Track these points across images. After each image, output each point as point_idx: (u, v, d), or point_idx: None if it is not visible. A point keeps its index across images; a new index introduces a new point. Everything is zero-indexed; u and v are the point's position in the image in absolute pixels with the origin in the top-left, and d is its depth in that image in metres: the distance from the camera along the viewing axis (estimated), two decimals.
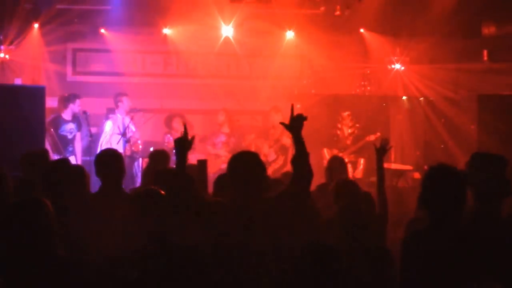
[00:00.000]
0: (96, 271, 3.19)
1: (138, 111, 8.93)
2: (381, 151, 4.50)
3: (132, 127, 8.88)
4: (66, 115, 8.80)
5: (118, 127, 8.87)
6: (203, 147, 9.61)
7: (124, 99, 8.97)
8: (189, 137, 3.72)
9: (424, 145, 10.06)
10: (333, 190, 4.48)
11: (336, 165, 5.43)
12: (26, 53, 9.69)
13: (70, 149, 8.73)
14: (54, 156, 8.28)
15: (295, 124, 3.56)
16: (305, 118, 3.57)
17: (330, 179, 5.24)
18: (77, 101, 8.81)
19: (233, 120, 9.62)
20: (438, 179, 3.03)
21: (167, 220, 3.39)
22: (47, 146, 8.44)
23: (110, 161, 4.00)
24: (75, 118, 8.85)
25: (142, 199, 3.42)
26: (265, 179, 3.61)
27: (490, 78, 9.29)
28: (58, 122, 8.72)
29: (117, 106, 9.01)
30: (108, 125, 8.88)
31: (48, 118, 8.78)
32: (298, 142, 3.56)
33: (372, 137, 8.80)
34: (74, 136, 8.84)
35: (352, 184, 4.49)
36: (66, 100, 8.82)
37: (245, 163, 3.53)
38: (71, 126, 8.78)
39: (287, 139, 9.32)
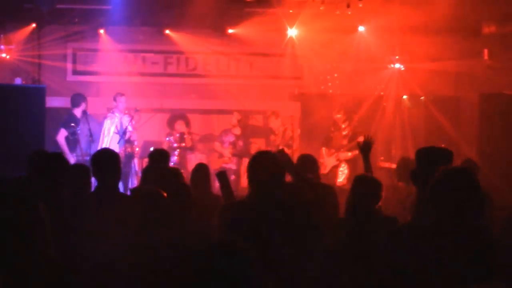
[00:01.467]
0: (90, 272, 3.17)
1: (136, 111, 8.90)
2: (366, 148, 4.48)
3: (129, 127, 8.85)
4: (78, 113, 8.74)
5: (116, 127, 8.85)
6: (208, 145, 9.64)
7: (122, 99, 8.95)
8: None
9: (425, 144, 10.03)
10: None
11: (306, 164, 5.30)
12: (26, 53, 9.70)
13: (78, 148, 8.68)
14: (72, 156, 8.28)
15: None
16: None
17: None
18: (86, 99, 8.78)
19: (246, 122, 9.60)
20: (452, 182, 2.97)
21: (168, 220, 3.37)
22: (63, 144, 8.40)
23: (106, 161, 3.96)
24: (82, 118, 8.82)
25: (142, 199, 3.40)
26: (282, 180, 3.56)
27: (490, 77, 9.28)
28: (76, 120, 8.62)
29: (115, 106, 8.99)
30: (107, 124, 8.85)
31: (64, 116, 8.74)
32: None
33: (361, 139, 8.76)
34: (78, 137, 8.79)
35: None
36: (79, 99, 8.74)
37: (263, 164, 3.48)
38: (81, 125, 8.74)
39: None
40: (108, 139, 8.77)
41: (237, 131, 9.50)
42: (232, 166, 9.04)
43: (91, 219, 3.61)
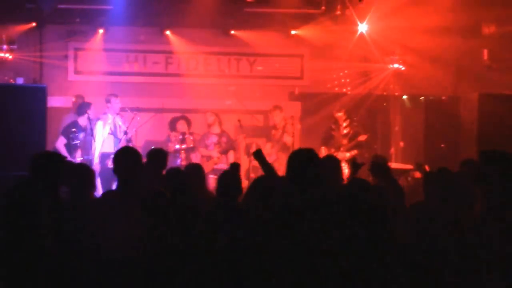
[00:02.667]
0: (102, 269, 3.21)
1: (137, 111, 8.88)
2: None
3: (123, 126, 8.82)
4: (82, 122, 8.71)
5: (110, 128, 8.82)
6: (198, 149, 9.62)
7: (114, 99, 8.88)
8: None
9: (425, 144, 10.06)
10: None
11: (332, 165, 5.36)
12: (28, 52, 9.74)
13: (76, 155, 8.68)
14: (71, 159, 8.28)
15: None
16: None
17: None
18: (92, 108, 8.77)
19: (222, 119, 9.53)
20: None
21: (172, 221, 3.40)
22: (62, 150, 8.41)
23: (126, 159, 3.94)
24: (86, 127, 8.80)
25: (149, 200, 3.43)
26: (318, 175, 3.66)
27: (490, 77, 9.30)
28: (78, 127, 8.59)
29: (109, 107, 8.93)
30: (100, 126, 8.81)
31: (66, 123, 8.76)
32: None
33: (363, 137, 8.76)
34: (80, 144, 8.77)
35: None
36: (85, 108, 8.69)
37: (300, 160, 3.62)
38: (82, 134, 8.72)
39: (288, 137, 9.28)
40: (102, 140, 8.73)
41: (217, 129, 9.42)
42: (223, 166, 8.95)
43: (108, 217, 3.62)
